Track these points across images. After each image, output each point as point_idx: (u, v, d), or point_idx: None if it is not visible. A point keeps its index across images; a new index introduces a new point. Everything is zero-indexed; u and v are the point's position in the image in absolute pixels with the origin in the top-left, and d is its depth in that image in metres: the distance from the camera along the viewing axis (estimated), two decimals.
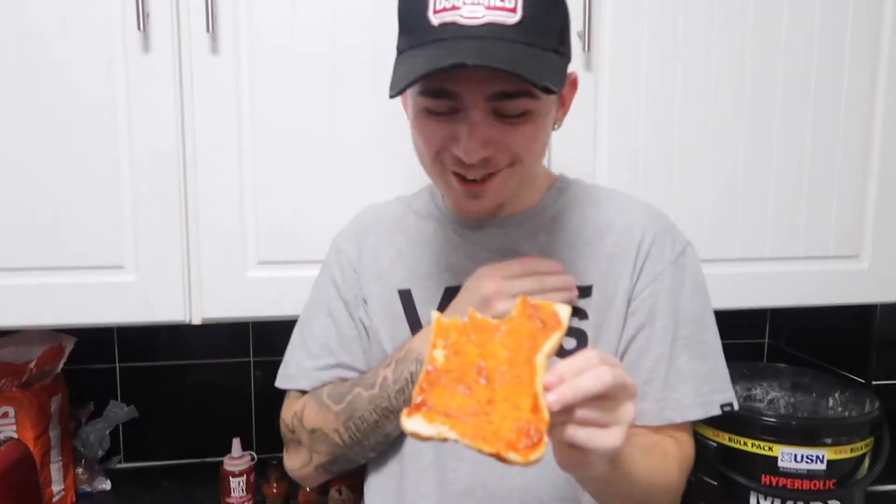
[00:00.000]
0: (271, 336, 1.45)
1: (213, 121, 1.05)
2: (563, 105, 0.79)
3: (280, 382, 0.93)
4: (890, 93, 1.20)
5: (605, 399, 0.56)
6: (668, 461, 0.80)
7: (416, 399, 0.55)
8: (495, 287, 0.76)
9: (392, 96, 0.67)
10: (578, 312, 0.82)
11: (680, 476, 0.82)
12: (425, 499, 0.84)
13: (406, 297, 0.86)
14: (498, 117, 0.71)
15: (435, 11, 0.67)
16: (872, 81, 1.20)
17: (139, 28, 1.00)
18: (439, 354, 0.57)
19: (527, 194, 0.86)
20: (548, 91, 0.66)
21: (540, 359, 0.56)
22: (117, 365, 1.46)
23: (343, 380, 0.89)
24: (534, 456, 0.51)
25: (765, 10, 1.15)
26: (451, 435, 0.52)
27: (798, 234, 1.22)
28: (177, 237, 1.07)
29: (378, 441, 0.85)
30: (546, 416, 0.53)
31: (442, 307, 0.84)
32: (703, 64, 1.14)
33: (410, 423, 0.54)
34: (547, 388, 0.54)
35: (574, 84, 0.80)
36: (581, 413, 0.55)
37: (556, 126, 0.81)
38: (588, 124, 1.12)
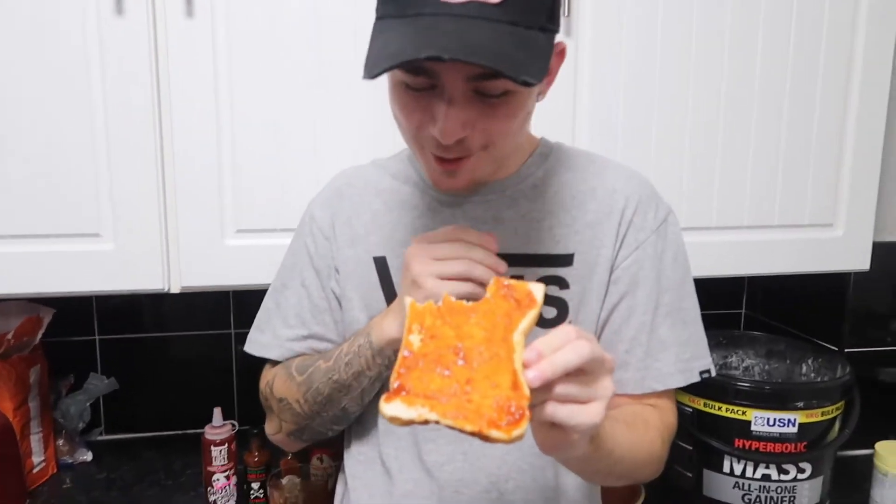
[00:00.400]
0: (252, 306, 1.43)
1: (190, 86, 1.04)
2: (550, 74, 0.76)
3: (252, 348, 0.92)
4: (867, 61, 1.21)
5: (584, 374, 0.56)
6: (650, 433, 0.80)
7: (394, 384, 0.54)
8: (420, 268, 0.72)
9: (366, 78, 0.64)
10: (559, 281, 0.82)
11: (662, 446, 0.83)
12: (407, 467, 0.85)
13: (381, 264, 0.85)
14: (477, 96, 0.68)
15: None
16: (850, 51, 1.21)
17: None
18: (415, 339, 0.57)
19: (507, 163, 0.84)
20: (528, 84, 0.63)
21: (517, 336, 0.56)
22: (97, 337, 1.45)
23: (316, 351, 0.89)
24: (516, 432, 0.51)
25: None
26: (432, 416, 0.52)
27: (775, 202, 1.23)
28: (154, 205, 1.06)
29: (336, 415, 0.86)
30: (526, 391, 0.53)
31: None
32: (684, 31, 1.15)
33: (389, 407, 0.53)
34: (525, 365, 0.54)
35: (562, 54, 0.76)
36: (560, 388, 0.55)
37: (540, 97, 0.78)
38: (568, 91, 1.12)
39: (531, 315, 0.58)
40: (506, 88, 0.68)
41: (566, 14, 1.09)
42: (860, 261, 1.28)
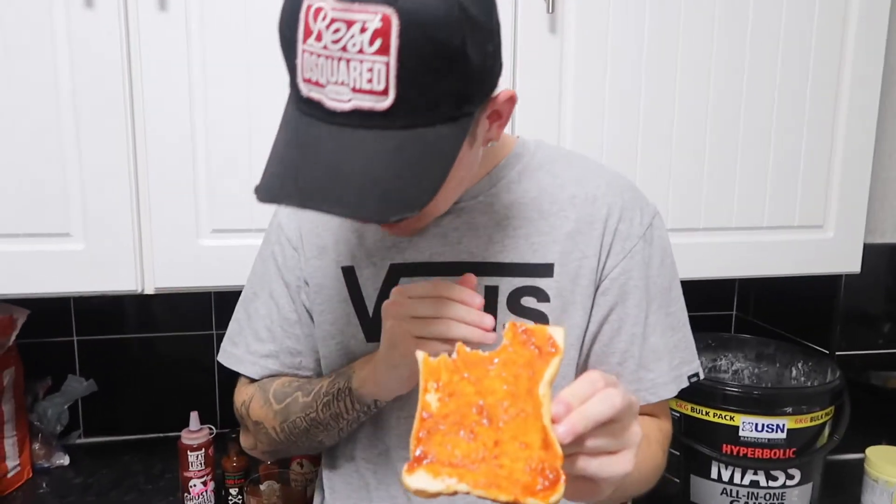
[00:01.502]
0: (234, 308, 1.42)
1: (163, 81, 1.01)
2: (500, 118, 0.69)
3: (225, 360, 0.90)
4: (857, 61, 1.19)
5: (614, 423, 0.54)
6: (653, 447, 0.79)
7: (416, 451, 0.51)
8: (396, 328, 0.69)
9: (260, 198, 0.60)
10: (538, 293, 0.78)
11: (663, 457, 0.82)
12: (384, 483, 0.83)
13: (349, 274, 0.82)
14: None
15: (304, 79, 0.59)
16: (840, 52, 1.19)
17: None
18: (433, 399, 0.53)
19: (482, 164, 0.79)
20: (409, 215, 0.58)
21: (543, 389, 0.52)
22: (75, 338, 1.43)
23: (294, 372, 0.87)
24: (554, 497, 0.48)
25: None
26: (462, 487, 0.49)
27: (764, 204, 1.21)
28: (127, 203, 1.03)
29: (313, 445, 0.84)
30: (559, 451, 0.50)
31: (386, 286, 0.79)
32: (671, 27, 1.12)
33: (413, 479, 0.49)
34: (554, 420, 0.51)
35: (511, 101, 0.68)
36: (591, 442, 0.52)
37: (490, 143, 0.73)
38: (553, 90, 1.10)
39: (555, 363, 0.54)
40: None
41: (550, 10, 1.06)
42: (851, 263, 1.26)
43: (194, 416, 1.23)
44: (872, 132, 1.23)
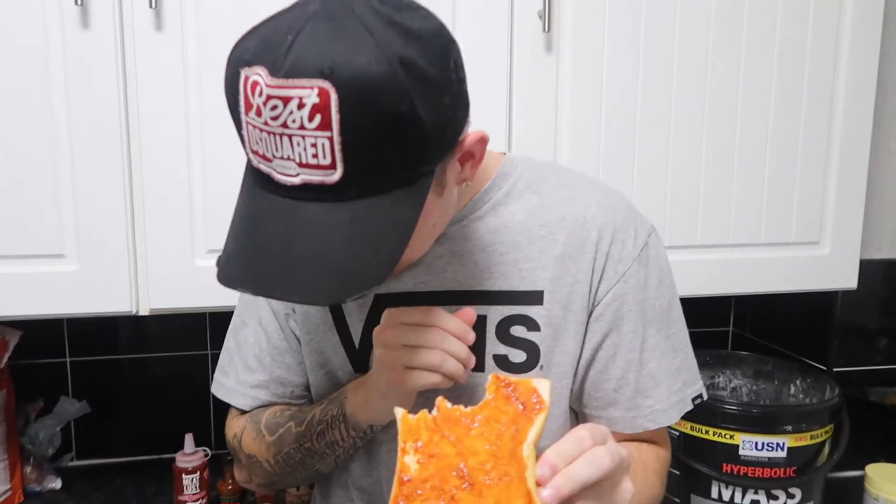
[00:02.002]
0: (227, 329, 1.41)
1: (159, 101, 1.01)
2: (472, 157, 0.65)
3: (218, 391, 0.88)
4: (851, 78, 1.20)
5: (603, 481, 0.52)
6: (651, 478, 0.76)
7: None
8: (388, 356, 0.67)
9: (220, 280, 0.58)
10: (528, 322, 0.75)
11: (661, 486, 0.79)
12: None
13: (334, 305, 0.79)
14: None
15: (251, 150, 0.57)
16: (834, 68, 1.20)
17: (77, 2, 0.95)
18: (411, 461, 0.51)
19: (465, 191, 0.76)
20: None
21: (526, 450, 0.51)
22: (68, 359, 1.41)
23: (286, 401, 0.85)
24: None
25: None
26: None
27: (760, 220, 1.21)
28: (121, 224, 1.02)
29: (309, 475, 0.82)
30: None
31: (372, 316, 0.77)
32: (666, 46, 1.13)
33: None
34: (539, 483, 0.49)
35: (482, 141, 0.64)
36: None
37: (465, 184, 0.69)
38: (549, 108, 1.10)
39: (540, 420, 0.52)
40: None
41: (546, 30, 1.07)
42: (847, 279, 1.26)
43: (189, 438, 1.22)
44: (867, 148, 1.23)
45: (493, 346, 0.75)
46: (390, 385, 0.67)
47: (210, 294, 1.06)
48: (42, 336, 1.36)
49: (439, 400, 0.54)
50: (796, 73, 1.18)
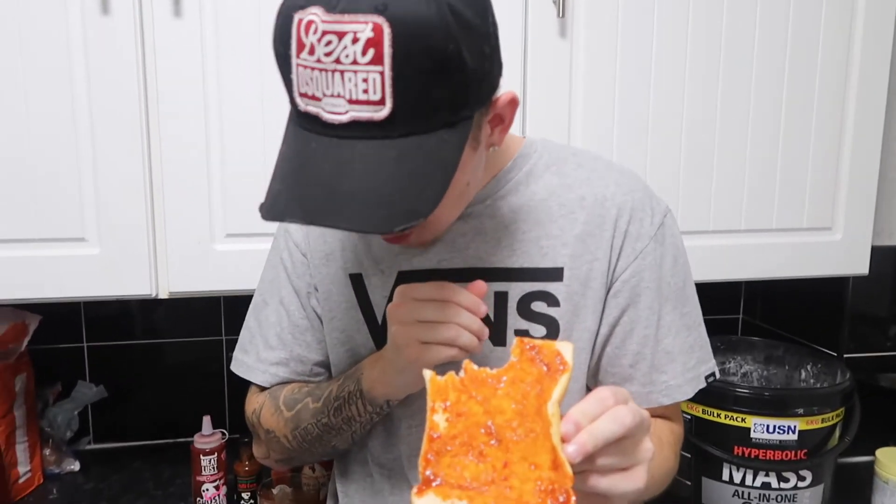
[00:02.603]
0: (244, 313, 1.42)
1: (178, 87, 1.02)
2: (502, 122, 0.68)
3: (238, 368, 0.89)
4: (864, 64, 1.20)
5: (625, 440, 0.53)
6: (665, 450, 0.78)
7: (425, 473, 0.50)
8: (402, 332, 0.68)
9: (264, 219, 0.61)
10: (548, 297, 0.77)
11: (675, 459, 0.81)
12: (398, 487, 0.82)
13: (357, 281, 0.81)
14: None
15: (300, 94, 0.59)
16: (847, 54, 1.20)
17: None
18: (440, 419, 0.52)
19: (487, 167, 0.78)
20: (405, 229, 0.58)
21: (552, 408, 0.52)
22: (85, 344, 1.43)
23: (305, 379, 0.86)
24: None
25: None
26: None
27: (773, 206, 1.22)
28: (142, 208, 1.04)
29: (326, 451, 0.83)
30: (569, 471, 0.49)
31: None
32: (679, 32, 1.13)
33: (422, 502, 0.49)
34: (564, 439, 0.51)
35: (513, 103, 0.68)
36: (602, 460, 0.52)
37: (492, 148, 0.72)
38: (563, 94, 1.11)
39: (563, 381, 0.53)
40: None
41: (561, 15, 1.07)
42: (859, 265, 1.27)
43: (207, 420, 1.24)
44: (879, 134, 1.23)
45: (515, 321, 0.77)
46: (407, 360, 0.69)
47: (229, 278, 1.07)
48: (60, 320, 1.37)
49: (466, 362, 0.56)
50: (809, 58, 1.18)
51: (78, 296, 1.04)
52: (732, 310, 1.67)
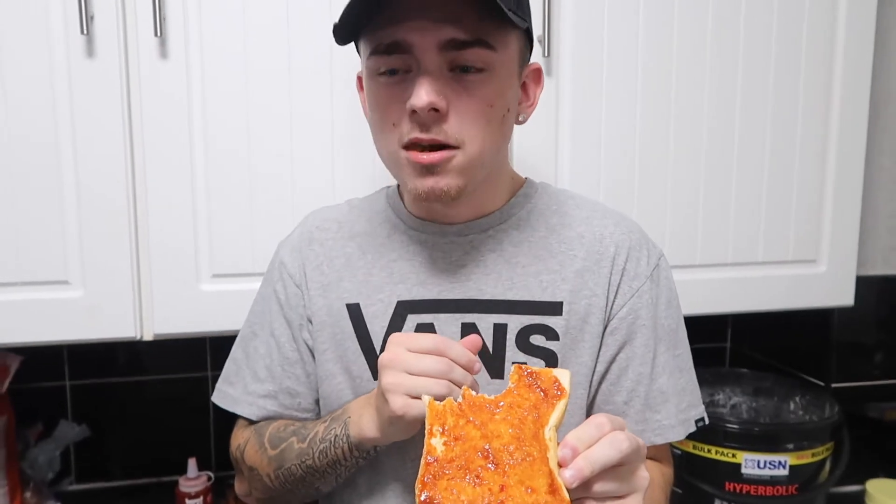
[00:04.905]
0: (229, 348, 1.41)
1: (163, 129, 1.01)
2: (528, 97, 0.77)
3: (221, 401, 0.88)
4: (845, 97, 1.22)
5: (621, 466, 0.54)
6: (655, 492, 0.78)
7: (421, 497, 0.51)
8: (391, 380, 0.67)
9: (339, 41, 0.69)
10: (547, 331, 0.78)
11: (665, 502, 0.82)
12: None
13: (355, 311, 0.81)
14: (453, 73, 0.69)
15: None
16: (828, 87, 1.22)
17: (83, 31, 0.96)
18: (438, 443, 0.53)
19: (490, 196, 0.80)
20: (499, 15, 0.64)
21: (549, 433, 0.53)
22: (67, 382, 1.40)
23: (293, 414, 0.85)
24: None
25: (723, 16, 1.15)
26: None
27: (758, 239, 1.23)
28: (125, 250, 1.02)
29: (309, 493, 0.82)
30: (566, 495, 0.50)
31: (394, 322, 0.79)
32: (664, 69, 1.15)
33: None
34: (561, 464, 0.51)
35: (539, 76, 0.77)
36: (599, 487, 0.53)
37: (520, 119, 0.78)
38: (550, 130, 1.12)
39: (561, 406, 0.54)
40: (482, 61, 0.68)
41: (546, 54, 1.08)
42: (844, 296, 1.28)
43: (192, 462, 1.22)
44: (861, 166, 1.25)
45: (513, 354, 0.78)
46: (394, 411, 0.68)
47: (215, 319, 1.06)
48: (42, 360, 1.35)
49: (464, 389, 0.57)
50: (791, 93, 1.20)
51: (61, 339, 1.02)
52: (720, 338, 1.67)
